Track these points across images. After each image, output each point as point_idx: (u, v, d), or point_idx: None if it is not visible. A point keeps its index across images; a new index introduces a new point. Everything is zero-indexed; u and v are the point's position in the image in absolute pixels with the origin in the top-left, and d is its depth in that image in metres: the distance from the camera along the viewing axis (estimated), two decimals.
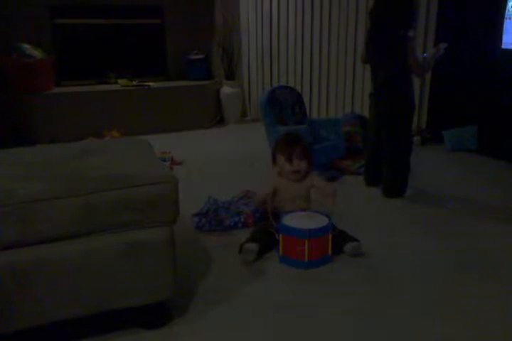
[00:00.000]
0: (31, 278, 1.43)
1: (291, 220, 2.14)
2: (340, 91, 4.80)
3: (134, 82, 4.77)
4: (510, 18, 3.53)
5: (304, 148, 2.37)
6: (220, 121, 5.21)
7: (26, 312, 1.45)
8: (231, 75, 5.11)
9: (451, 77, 4.00)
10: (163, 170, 1.66)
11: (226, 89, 5.12)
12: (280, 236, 2.12)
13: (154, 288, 1.58)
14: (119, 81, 4.77)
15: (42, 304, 1.45)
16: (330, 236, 2.11)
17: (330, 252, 2.12)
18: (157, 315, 1.68)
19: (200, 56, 5.04)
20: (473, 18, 3.82)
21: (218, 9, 5.09)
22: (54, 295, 1.46)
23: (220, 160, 3.80)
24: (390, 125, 2.86)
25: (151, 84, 4.80)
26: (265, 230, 2.22)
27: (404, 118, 2.86)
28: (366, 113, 3.23)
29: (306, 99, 4.60)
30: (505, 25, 3.54)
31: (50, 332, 1.58)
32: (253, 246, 2.11)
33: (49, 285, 1.45)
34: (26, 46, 4.18)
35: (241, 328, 1.67)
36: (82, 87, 4.63)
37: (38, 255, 1.43)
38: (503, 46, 3.59)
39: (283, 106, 3.83)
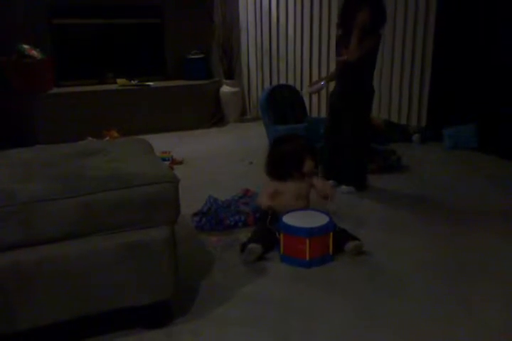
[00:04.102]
0: (33, 278, 1.42)
1: (292, 219, 2.14)
2: None
3: (133, 82, 4.76)
4: None
5: (313, 152, 2.43)
6: (219, 120, 5.20)
7: (28, 313, 1.44)
8: (230, 74, 5.10)
9: (451, 75, 3.99)
10: (164, 170, 1.66)
11: (226, 88, 5.11)
12: (281, 235, 2.12)
13: (155, 288, 1.58)
14: (117, 81, 4.76)
15: (43, 304, 1.45)
16: (331, 234, 2.11)
17: (331, 251, 2.12)
18: (158, 314, 1.67)
19: (200, 55, 5.03)
20: (474, 16, 3.82)
21: (217, 8, 5.07)
22: (55, 296, 1.46)
23: (220, 159, 3.79)
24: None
25: (150, 83, 4.79)
26: (266, 229, 2.22)
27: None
28: None
29: (305, 97, 4.59)
30: None
31: (51, 332, 1.58)
32: (257, 248, 2.10)
33: (50, 286, 1.45)
34: (25, 47, 4.18)
35: (242, 327, 1.67)
36: (81, 87, 4.62)
37: (39, 255, 1.43)
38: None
39: (283, 104, 3.83)
